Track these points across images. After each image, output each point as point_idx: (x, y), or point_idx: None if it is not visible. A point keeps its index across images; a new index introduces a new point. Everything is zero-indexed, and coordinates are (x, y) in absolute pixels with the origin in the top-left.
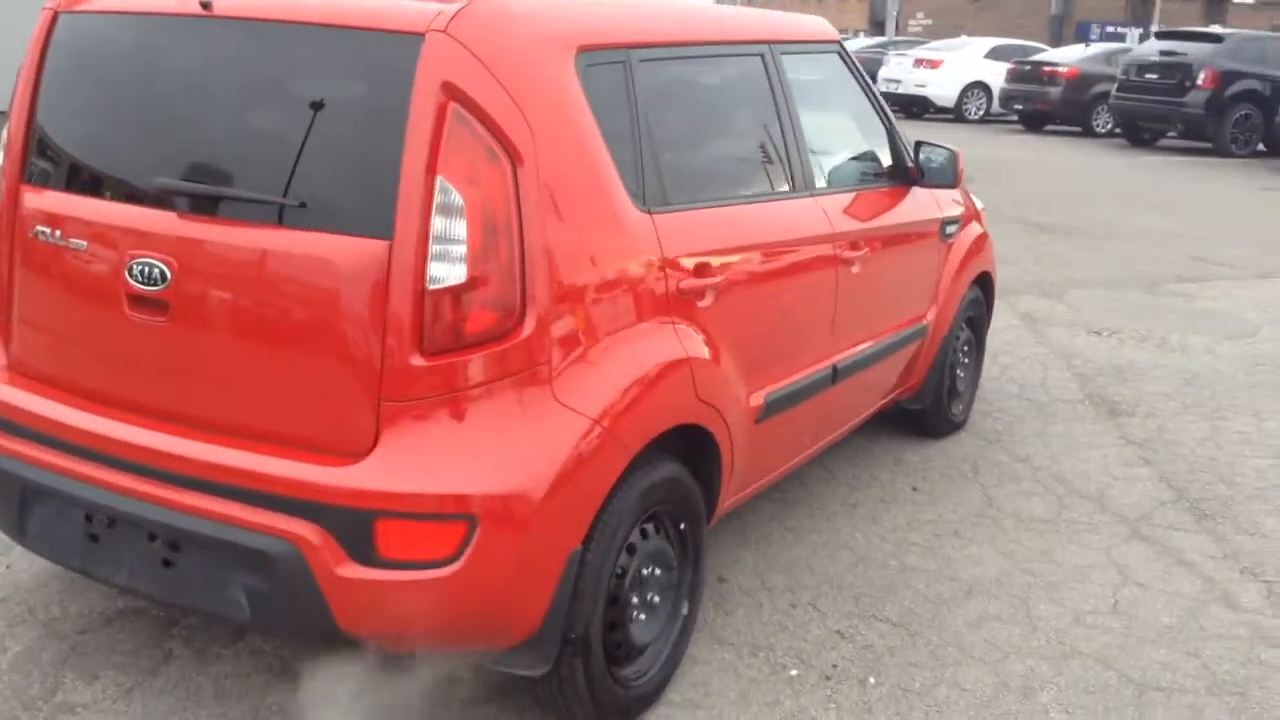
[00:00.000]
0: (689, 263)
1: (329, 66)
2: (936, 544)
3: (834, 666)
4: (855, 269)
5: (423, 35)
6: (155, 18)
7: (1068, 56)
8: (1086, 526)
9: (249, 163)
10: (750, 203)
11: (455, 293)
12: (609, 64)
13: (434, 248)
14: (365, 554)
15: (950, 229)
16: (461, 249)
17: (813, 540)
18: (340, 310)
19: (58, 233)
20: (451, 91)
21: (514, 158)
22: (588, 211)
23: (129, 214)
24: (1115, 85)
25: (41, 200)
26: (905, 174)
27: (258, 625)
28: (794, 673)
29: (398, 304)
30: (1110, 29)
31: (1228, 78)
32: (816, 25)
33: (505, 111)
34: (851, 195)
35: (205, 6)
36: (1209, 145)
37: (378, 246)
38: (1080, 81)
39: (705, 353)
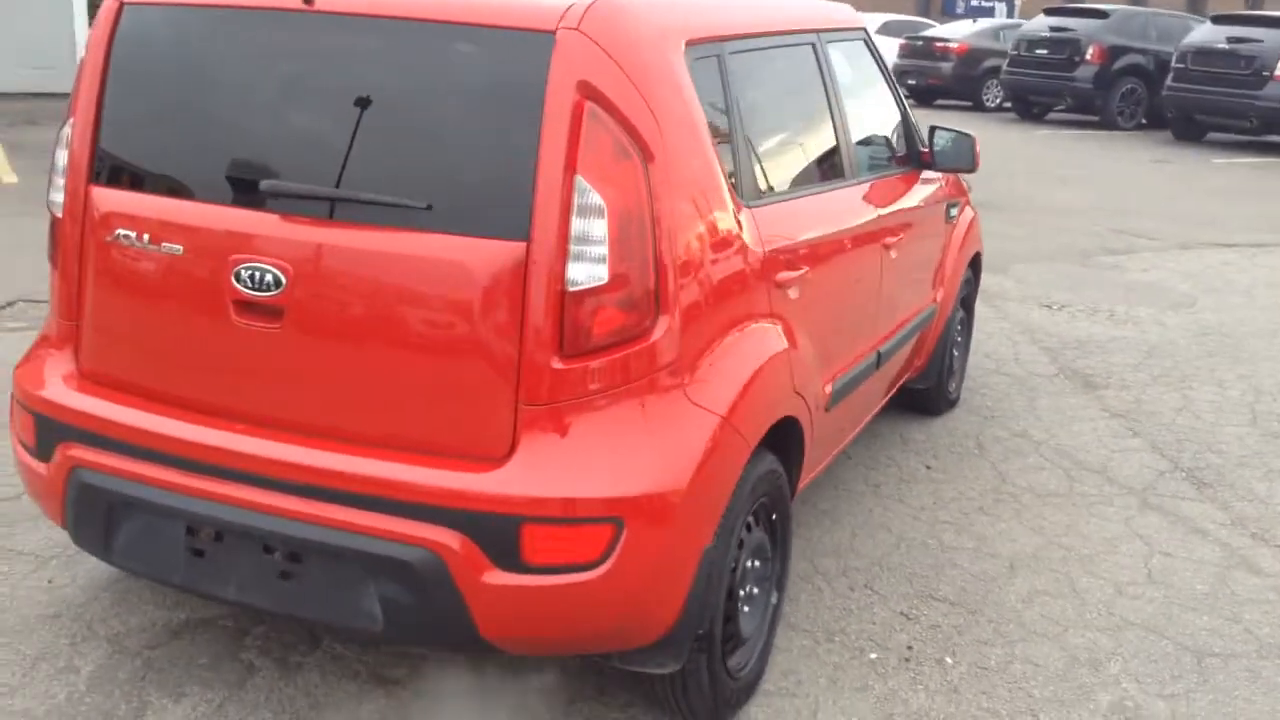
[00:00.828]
0: (782, 256)
1: (453, 65)
2: (966, 522)
3: (909, 648)
4: (893, 254)
5: (554, 33)
6: (250, 12)
7: (958, 32)
8: (1099, 499)
9: (368, 164)
10: (819, 193)
11: (595, 294)
12: (709, 57)
13: (573, 249)
14: (510, 560)
15: (953, 211)
16: (601, 250)
17: (849, 522)
18: (475, 314)
19: (146, 237)
20: (587, 90)
21: (646, 155)
22: (707, 208)
23: (234, 217)
24: (1006, 61)
25: (120, 202)
26: (919, 158)
27: (391, 636)
28: (873, 656)
29: (536, 307)
30: (976, 3)
31: (1114, 53)
32: (846, 12)
33: (637, 109)
34: (884, 181)
35: (307, 1)
36: (1095, 119)
37: (514, 249)
38: (971, 57)
39: (796, 344)
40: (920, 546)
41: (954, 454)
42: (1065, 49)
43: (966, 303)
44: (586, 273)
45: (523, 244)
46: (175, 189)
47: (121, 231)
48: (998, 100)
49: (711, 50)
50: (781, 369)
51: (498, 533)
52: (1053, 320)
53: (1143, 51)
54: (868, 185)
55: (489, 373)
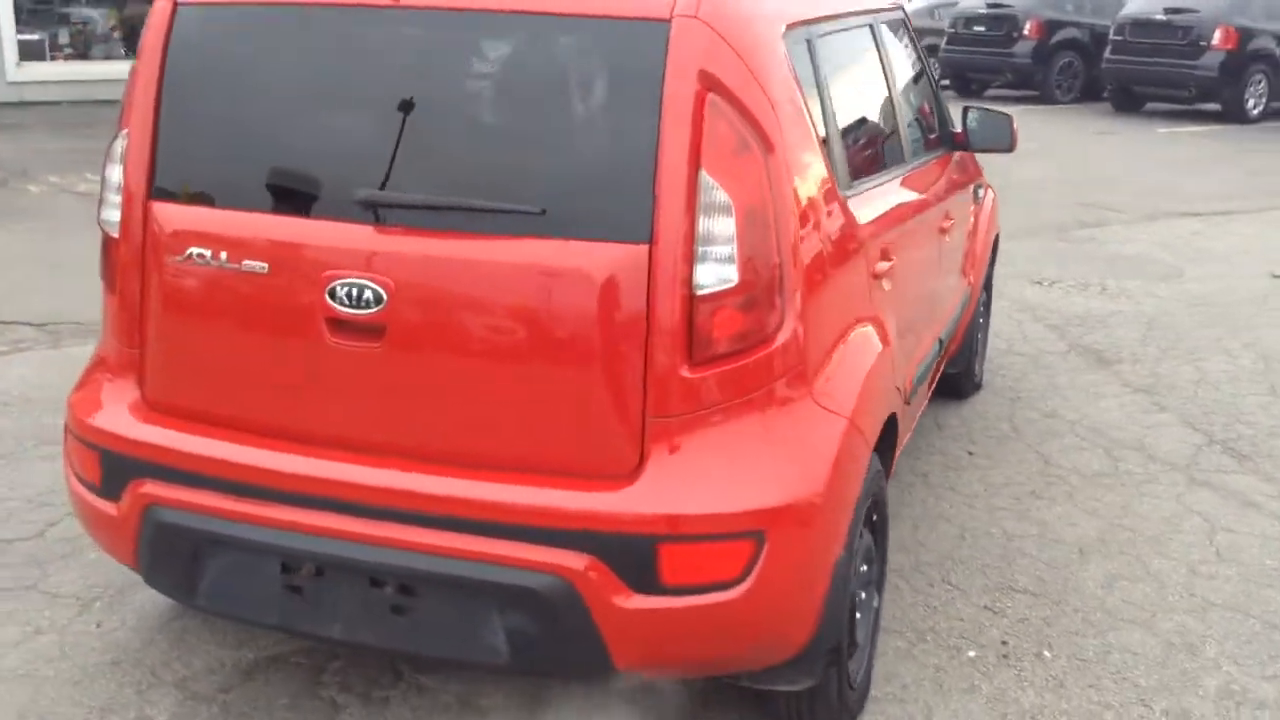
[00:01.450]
0: (876, 247)
1: (562, 60)
2: (1022, 508)
3: (1004, 643)
4: (946, 240)
5: (669, 21)
6: (333, 9)
7: None
8: (1146, 477)
9: (473, 169)
10: (890, 179)
11: (723, 297)
12: (803, 41)
13: (700, 249)
14: (647, 582)
15: (980, 192)
16: (728, 250)
17: (908, 515)
18: (595, 324)
19: (223, 255)
20: (707, 80)
21: (766, 147)
22: (820, 201)
23: (327, 231)
24: (944, 39)
25: (191, 219)
26: (951, 139)
27: (517, 668)
28: (971, 654)
29: (662, 313)
30: None
31: (1051, 27)
32: None
33: (755, 98)
34: (932, 164)
35: None
36: (1035, 93)
37: (635, 252)
38: None
39: (889, 339)
40: (985, 536)
41: (991, 438)
42: (1003, 25)
43: (986, 284)
44: (714, 275)
45: (645, 246)
46: (254, 203)
47: (195, 251)
48: (937, 78)
49: (804, 34)
50: (886, 365)
51: (633, 554)
52: (1048, 297)
53: (1078, 25)
54: (922, 169)
55: (613, 385)
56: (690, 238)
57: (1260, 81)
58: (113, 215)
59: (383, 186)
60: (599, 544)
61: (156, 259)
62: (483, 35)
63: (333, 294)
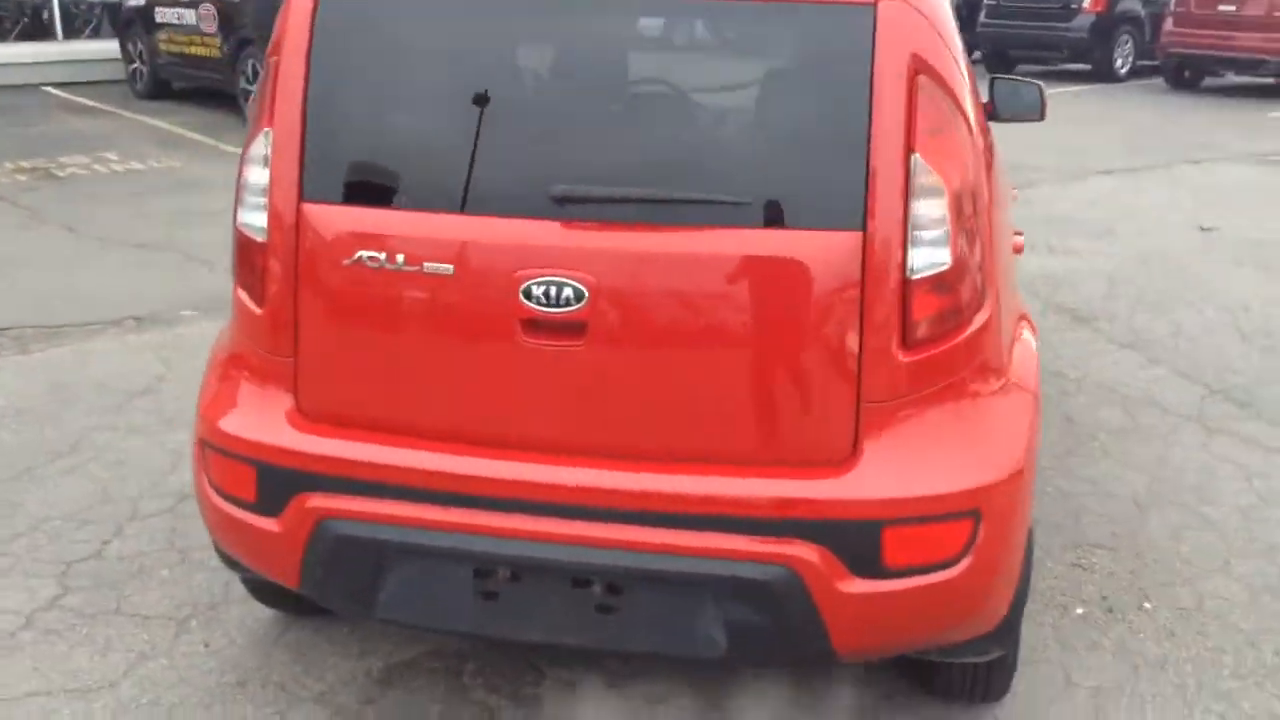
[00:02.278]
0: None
1: (766, 46)
2: (1065, 466)
3: (1104, 598)
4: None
5: (875, 4)
6: None
7: None
8: (1167, 429)
9: (675, 159)
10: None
11: (936, 281)
12: None
13: (913, 234)
14: (870, 567)
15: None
16: (940, 233)
17: None
18: (808, 312)
19: (400, 258)
20: (917, 62)
21: (968, 127)
22: (997, 181)
23: (519, 229)
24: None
25: (355, 221)
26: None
27: (735, 659)
28: (1079, 611)
29: (877, 299)
30: None
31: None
32: None
33: (956, 78)
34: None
35: None
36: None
37: (848, 239)
38: None
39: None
40: (1043, 495)
41: None
42: None
43: None
44: (927, 258)
45: (858, 233)
46: (432, 202)
47: (366, 254)
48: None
49: None
50: (1033, 335)
51: (858, 539)
52: None
53: None
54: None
55: (827, 372)
56: (904, 223)
57: (1127, 42)
58: (256, 219)
59: (578, 180)
60: (823, 531)
61: (315, 264)
62: (683, 18)
63: (528, 293)
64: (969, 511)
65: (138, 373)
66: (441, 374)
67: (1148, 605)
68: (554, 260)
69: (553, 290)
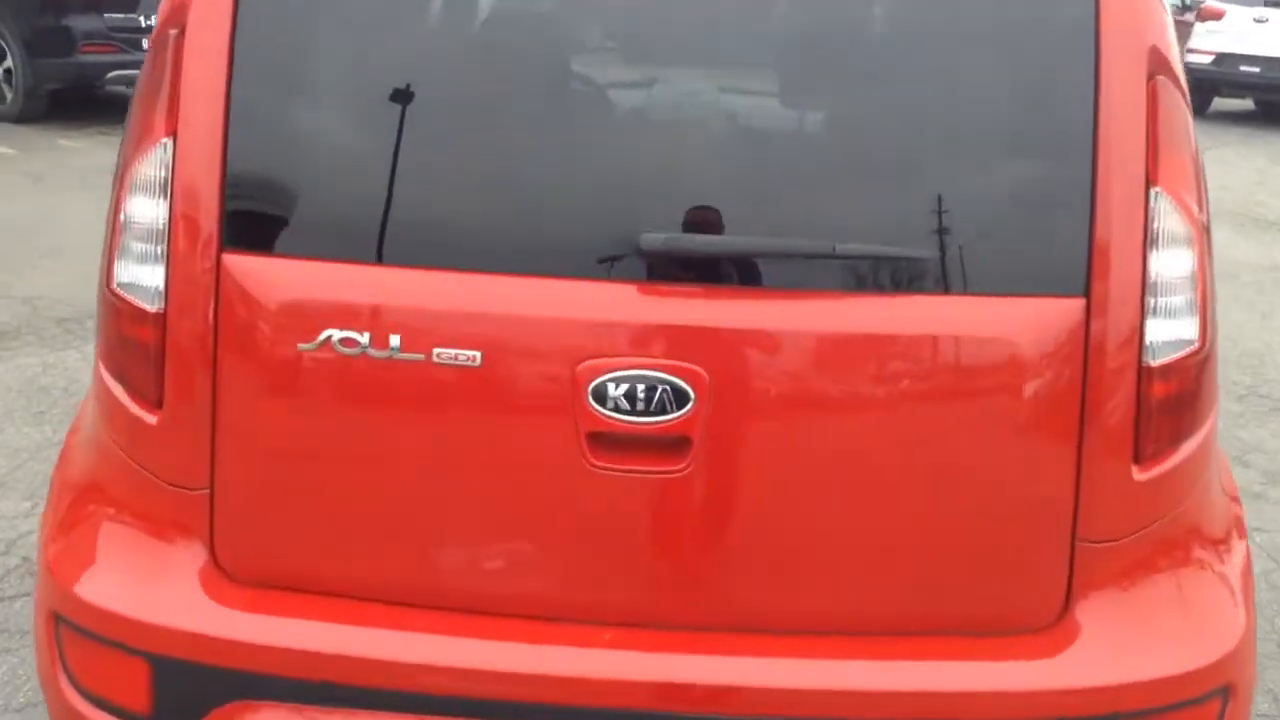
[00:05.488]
0: None
1: (935, 34)
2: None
3: None
4: None
5: None
6: None
7: None
8: (1242, 410)
9: (814, 197)
10: None
11: (1182, 366)
12: None
13: (1151, 301)
14: None
15: None
16: (1186, 298)
17: None
18: (1004, 412)
19: (395, 340)
20: (1156, 58)
21: (1198, 150)
22: None
23: (584, 297)
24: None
25: (315, 282)
26: None
27: None
28: None
29: (1104, 392)
30: None
31: None
32: None
33: (1183, 83)
34: None
35: None
36: None
37: (1064, 308)
38: None
39: None
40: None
41: None
42: None
43: None
44: (1170, 333)
45: (1078, 300)
46: (446, 254)
47: (336, 334)
48: None
49: None
50: None
51: None
52: None
53: None
54: None
55: (1028, 500)
56: (1141, 284)
57: None
58: (145, 277)
59: (680, 224)
60: None
61: (250, 348)
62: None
63: (599, 395)
64: (1218, 690)
65: None
66: (459, 518)
67: None
68: (642, 344)
69: (640, 391)
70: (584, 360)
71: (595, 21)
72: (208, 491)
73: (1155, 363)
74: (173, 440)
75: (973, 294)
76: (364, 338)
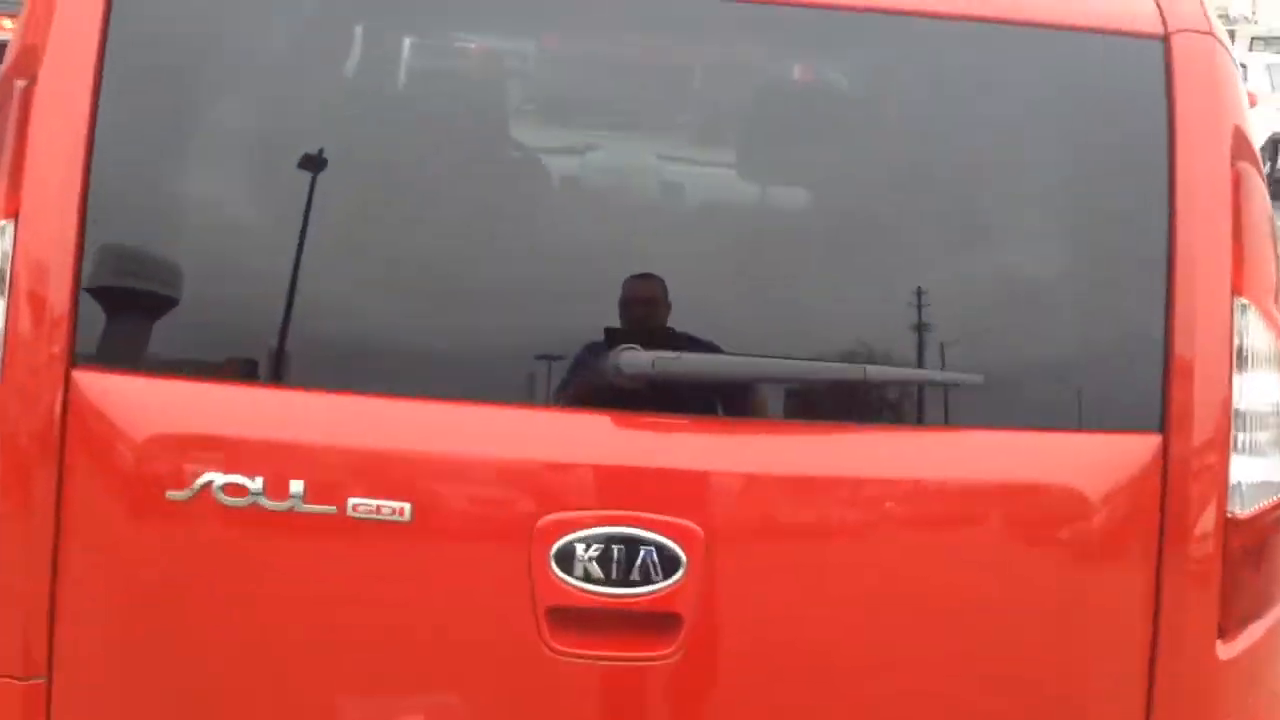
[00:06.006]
0: None
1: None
2: None
3: None
4: None
5: (1163, 36)
6: None
7: None
8: None
9: (837, 307)
10: None
11: (1270, 514)
12: None
13: (1239, 437)
14: None
15: None
16: (1276, 434)
17: None
18: (1064, 577)
19: (296, 488)
20: (1239, 142)
21: None
22: None
23: (543, 431)
24: None
25: (188, 407)
26: None
27: None
28: None
29: (1183, 550)
30: None
31: None
32: None
33: (1261, 169)
34: None
35: None
36: None
37: (1137, 447)
38: None
39: None
40: None
41: None
42: None
43: None
44: (1259, 475)
45: (1154, 437)
46: (364, 375)
47: (219, 479)
48: None
49: None
50: None
51: None
52: None
53: None
54: None
55: (1090, 685)
56: (1226, 419)
57: None
58: None
59: (674, 344)
60: None
61: (103, 493)
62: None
63: (565, 560)
64: None
65: None
66: (376, 713)
67: None
68: (619, 494)
69: (616, 554)
70: (544, 515)
71: (534, 85)
72: (45, 681)
73: (1243, 514)
74: None
75: (1026, 428)
76: (256, 483)
